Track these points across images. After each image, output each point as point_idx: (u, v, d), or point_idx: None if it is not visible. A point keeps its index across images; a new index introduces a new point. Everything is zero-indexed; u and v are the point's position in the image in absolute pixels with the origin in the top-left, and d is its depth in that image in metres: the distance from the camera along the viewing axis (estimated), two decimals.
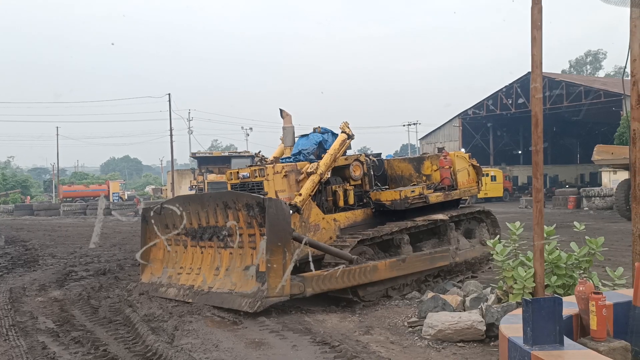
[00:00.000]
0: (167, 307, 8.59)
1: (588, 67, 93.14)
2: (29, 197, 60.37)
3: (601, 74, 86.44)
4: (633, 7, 5.21)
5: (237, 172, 10.10)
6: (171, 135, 51.93)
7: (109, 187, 56.35)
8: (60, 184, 61.64)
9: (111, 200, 51.82)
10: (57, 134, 66.91)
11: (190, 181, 37.22)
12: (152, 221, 10.14)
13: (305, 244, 8.51)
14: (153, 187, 75.59)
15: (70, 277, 11.99)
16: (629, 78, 6.99)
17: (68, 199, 53.13)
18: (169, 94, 52.26)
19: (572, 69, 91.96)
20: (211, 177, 33.26)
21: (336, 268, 8.70)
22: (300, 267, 8.88)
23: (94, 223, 29.65)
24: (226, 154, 39.86)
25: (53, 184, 68.94)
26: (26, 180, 72.57)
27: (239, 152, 40.17)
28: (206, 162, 36.94)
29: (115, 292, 10.17)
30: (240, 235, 8.74)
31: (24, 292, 10.42)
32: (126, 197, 56.51)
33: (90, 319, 8.26)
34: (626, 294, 6.27)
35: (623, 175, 28.60)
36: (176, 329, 7.33)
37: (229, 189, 10.22)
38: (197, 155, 39.64)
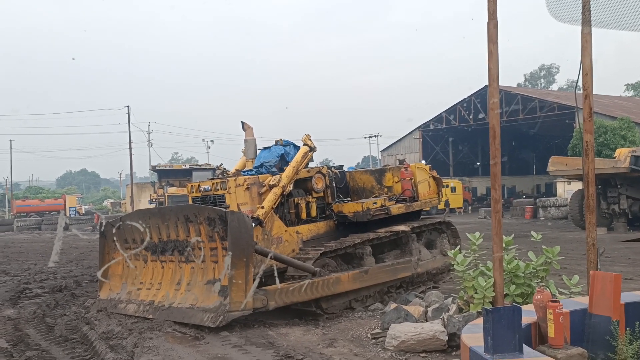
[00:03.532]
0: (126, 323, 8.39)
1: (542, 80, 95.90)
2: None
3: (554, 87, 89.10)
4: (584, 25, 5.41)
5: (199, 185, 9.99)
6: (130, 148, 50.96)
7: (65, 202, 54.91)
8: (14, 199, 59.79)
9: (68, 214, 50.48)
10: (11, 147, 65.04)
11: (150, 194, 36.72)
12: (113, 237, 9.92)
13: (271, 258, 8.46)
14: (112, 201, 74.03)
15: (25, 294, 11.60)
16: (581, 91, 7.23)
17: (22, 214, 51.59)
18: (128, 107, 51.33)
19: (527, 82, 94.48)
20: (172, 190, 32.95)
21: (302, 282, 8.67)
22: (263, 281, 8.82)
23: (50, 239, 28.76)
24: (187, 166, 39.57)
25: (6, 198, 66.84)
26: None
27: (200, 165, 39.88)
28: (166, 175, 36.57)
29: (72, 310, 9.89)
30: (203, 249, 8.63)
31: None
32: (83, 212, 55.18)
33: (46, 338, 8.01)
34: (582, 301, 6.43)
35: (577, 185, 29.47)
36: (136, 346, 7.16)
37: (190, 202, 10.10)
38: (157, 168, 39.18)
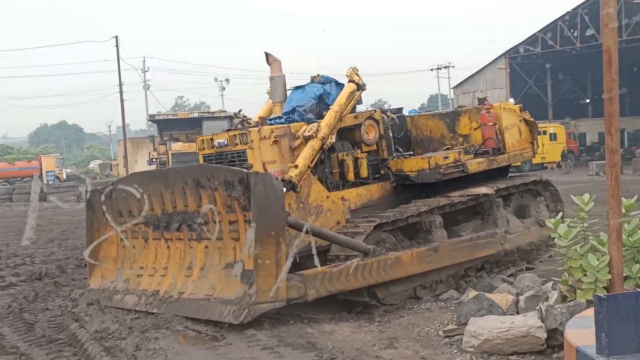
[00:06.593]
0: (124, 320, 8.61)
1: None
2: None
3: None
4: None
5: (211, 139, 10.08)
6: (121, 92, 51.82)
7: (41, 164, 56.17)
8: None
9: (45, 180, 51.66)
10: None
11: (149, 153, 37.27)
12: (103, 208, 10.11)
13: (307, 232, 8.52)
14: (100, 162, 75.55)
15: None
16: None
17: None
18: (117, 37, 51.93)
19: None
20: (176, 146, 33.35)
21: (348, 263, 8.72)
22: (300, 262, 8.90)
23: (26, 212, 29.62)
24: (195, 115, 39.82)
25: None
26: None
27: (213, 113, 40.06)
28: (169, 126, 36.99)
29: (56, 303, 10.20)
30: (219, 222, 8.74)
31: None
32: (65, 177, 56.42)
33: (25, 339, 8.26)
34: None
35: None
36: (138, 349, 7.35)
37: (201, 161, 10.24)
38: (156, 118, 39.67)
